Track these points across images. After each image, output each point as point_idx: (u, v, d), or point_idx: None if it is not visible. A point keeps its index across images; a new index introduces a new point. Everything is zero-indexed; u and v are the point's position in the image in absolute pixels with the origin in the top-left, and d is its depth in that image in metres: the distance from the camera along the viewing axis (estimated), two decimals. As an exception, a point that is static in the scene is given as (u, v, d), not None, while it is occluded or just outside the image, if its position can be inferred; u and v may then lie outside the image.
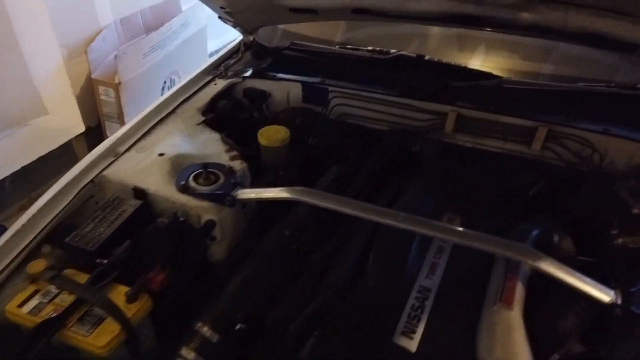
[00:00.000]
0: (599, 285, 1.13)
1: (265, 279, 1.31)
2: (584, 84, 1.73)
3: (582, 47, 1.67)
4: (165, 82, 4.10)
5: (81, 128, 3.61)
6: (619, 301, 1.10)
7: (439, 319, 1.18)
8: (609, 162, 1.63)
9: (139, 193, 1.58)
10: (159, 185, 1.58)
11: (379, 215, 1.29)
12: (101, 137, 3.61)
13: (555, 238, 1.36)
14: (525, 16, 1.44)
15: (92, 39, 3.60)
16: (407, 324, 1.15)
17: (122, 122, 3.60)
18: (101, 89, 3.55)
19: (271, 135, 1.77)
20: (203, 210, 1.53)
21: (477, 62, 1.99)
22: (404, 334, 1.14)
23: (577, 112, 1.68)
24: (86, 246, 1.37)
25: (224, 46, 2.45)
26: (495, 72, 1.84)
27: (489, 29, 1.70)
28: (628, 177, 1.49)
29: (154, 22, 4.11)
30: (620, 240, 1.39)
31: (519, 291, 1.17)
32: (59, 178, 1.60)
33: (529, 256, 1.16)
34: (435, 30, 2.12)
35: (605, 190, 1.50)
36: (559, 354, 1.13)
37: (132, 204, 1.52)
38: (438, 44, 2.16)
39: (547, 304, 1.20)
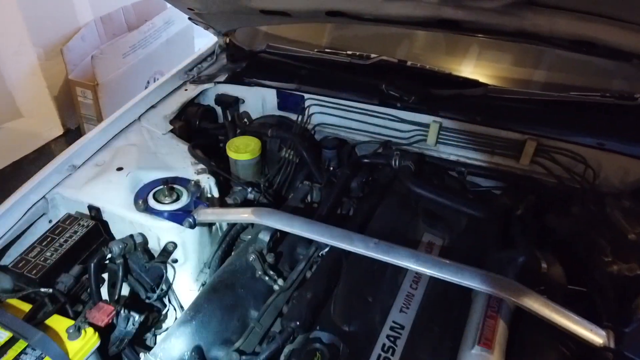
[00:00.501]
0: (590, 325, 1.01)
1: (224, 311, 1.18)
2: (577, 93, 1.61)
3: (575, 53, 1.54)
4: (148, 83, 3.96)
5: (58, 131, 3.50)
6: (612, 344, 0.99)
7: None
8: (603, 179, 1.52)
9: (94, 211, 1.46)
10: (116, 203, 1.46)
11: (349, 241, 1.17)
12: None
13: (544, 265, 1.25)
14: (510, 21, 1.31)
15: (70, 38, 3.47)
16: (376, 368, 1.04)
17: (100, 125, 3.48)
18: (79, 90, 3.42)
19: (241, 147, 1.64)
20: (162, 231, 1.41)
21: (463, 67, 1.86)
22: (371, 379, 1.02)
23: (569, 124, 1.57)
24: (29, 273, 1.26)
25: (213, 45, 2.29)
26: (481, 79, 1.72)
27: (472, 35, 1.59)
28: (619, 196, 1.37)
29: (137, 20, 3.98)
30: (614, 268, 1.27)
31: (501, 330, 1.06)
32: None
33: (511, 292, 1.04)
34: (420, 32, 1.98)
35: (598, 211, 1.38)
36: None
37: (85, 225, 1.40)
38: (423, 47, 2.03)
39: (530, 342, 1.08)
